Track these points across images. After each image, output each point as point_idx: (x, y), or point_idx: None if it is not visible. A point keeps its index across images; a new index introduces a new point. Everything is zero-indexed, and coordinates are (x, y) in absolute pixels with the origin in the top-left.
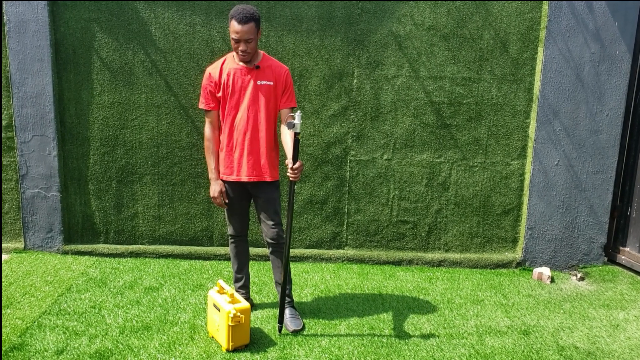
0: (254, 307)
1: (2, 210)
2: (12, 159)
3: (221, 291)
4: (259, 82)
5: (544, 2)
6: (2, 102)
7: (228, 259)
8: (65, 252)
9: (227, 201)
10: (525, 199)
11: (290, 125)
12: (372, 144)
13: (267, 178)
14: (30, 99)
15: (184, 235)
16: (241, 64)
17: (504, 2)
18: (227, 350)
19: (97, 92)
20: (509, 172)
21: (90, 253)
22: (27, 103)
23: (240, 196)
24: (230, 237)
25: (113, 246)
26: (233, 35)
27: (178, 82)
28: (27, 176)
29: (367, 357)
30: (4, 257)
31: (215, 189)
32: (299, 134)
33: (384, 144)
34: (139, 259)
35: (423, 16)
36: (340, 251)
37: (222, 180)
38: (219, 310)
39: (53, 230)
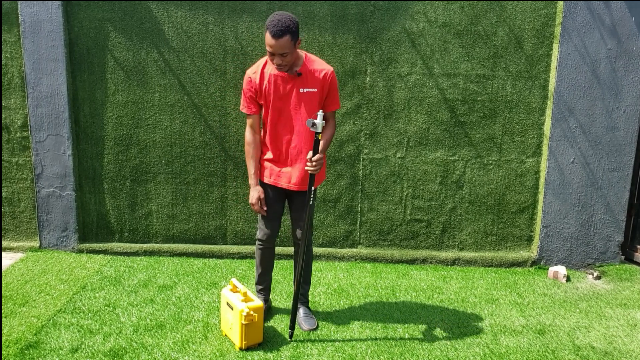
0: (270, 309)
1: (18, 209)
2: (28, 159)
3: (234, 289)
4: (301, 90)
5: None
6: (18, 102)
7: (241, 257)
8: (80, 251)
9: (265, 208)
10: (541, 197)
11: (310, 124)
12: (386, 142)
13: (299, 188)
14: (45, 98)
15: (198, 234)
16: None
17: None
18: (240, 349)
19: (111, 91)
20: (524, 169)
21: (104, 252)
22: (42, 103)
23: (277, 198)
24: (258, 242)
25: (127, 245)
26: (267, 48)
27: (191, 81)
28: (42, 175)
29: (381, 356)
30: (20, 255)
31: (253, 195)
32: (319, 134)
33: (398, 142)
34: (153, 257)
35: (436, 13)
36: (354, 250)
37: (261, 182)
38: (232, 309)
39: (68, 229)
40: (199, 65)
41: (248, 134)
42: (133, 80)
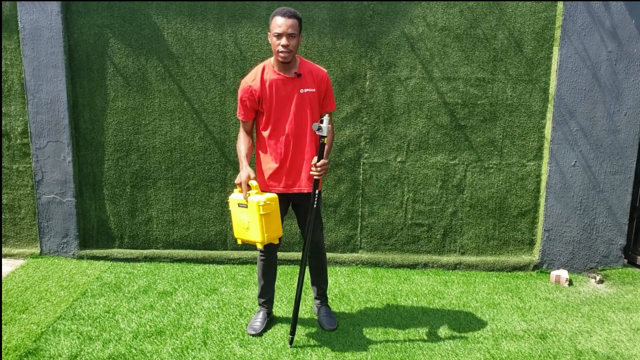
0: (272, 320)
1: (19, 216)
2: (28, 165)
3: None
4: (302, 91)
5: (559, 0)
6: (18, 109)
7: (242, 263)
8: (81, 257)
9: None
10: (542, 201)
11: (316, 127)
12: (386, 146)
13: (307, 190)
14: (45, 105)
15: (198, 240)
16: (282, 73)
17: (518, 1)
18: (262, 245)
19: (110, 97)
20: (525, 173)
21: (105, 258)
22: (42, 109)
23: (280, 206)
24: (261, 254)
25: (128, 251)
26: (276, 30)
27: (191, 86)
28: (42, 182)
29: None
30: (20, 262)
31: (242, 175)
32: (324, 137)
33: (398, 146)
34: (153, 263)
35: (436, 17)
36: (355, 254)
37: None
38: (247, 207)
39: (68, 235)
40: (198, 71)
41: (242, 134)
42: (133, 86)
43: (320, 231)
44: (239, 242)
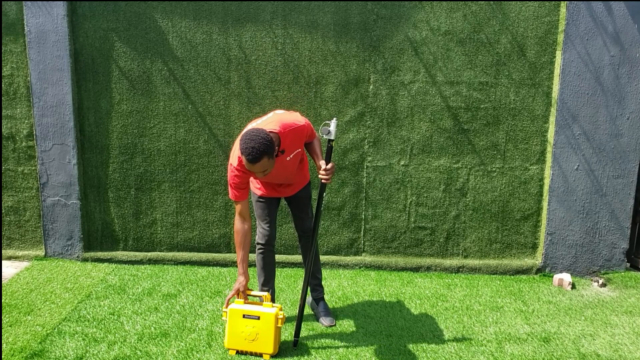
0: None
1: (24, 218)
2: (33, 168)
3: (249, 298)
4: (288, 159)
5: (562, 2)
6: (23, 112)
7: None
8: (85, 259)
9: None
10: (545, 204)
11: (325, 132)
12: (389, 149)
13: (300, 187)
14: (50, 108)
15: (202, 242)
16: None
17: (521, 5)
18: (272, 357)
19: (115, 100)
20: (527, 177)
21: (109, 260)
22: (47, 112)
23: (273, 199)
24: (259, 246)
25: (132, 253)
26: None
27: (195, 90)
28: (47, 184)
29: None
30: (25, 264)
31: (241, 281)
32: (333, 140)
33: (401, 150)
34: (157, 265)
35: (439, 21)
36: (358, 257)
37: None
38: (259, 318)
39: (73, 237)
40: (203, 74)
41: (238, 223)
42: (138, 89)
43: (310, 219)
44: (232, 352)
